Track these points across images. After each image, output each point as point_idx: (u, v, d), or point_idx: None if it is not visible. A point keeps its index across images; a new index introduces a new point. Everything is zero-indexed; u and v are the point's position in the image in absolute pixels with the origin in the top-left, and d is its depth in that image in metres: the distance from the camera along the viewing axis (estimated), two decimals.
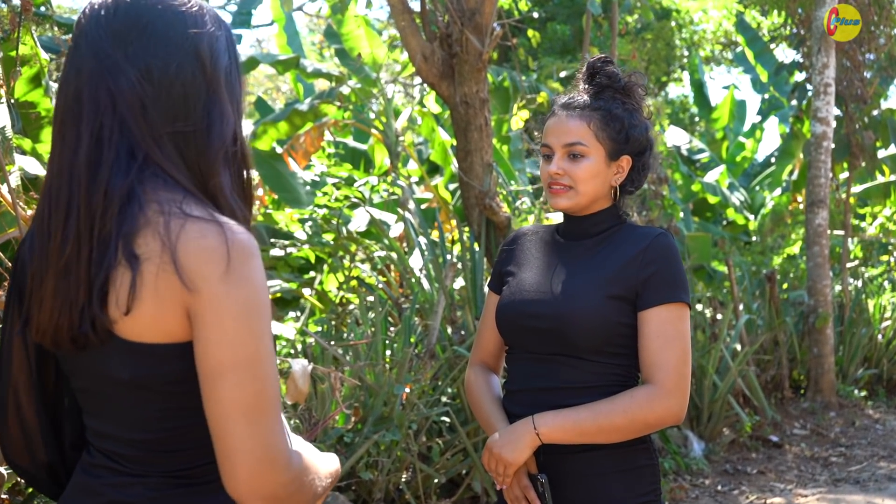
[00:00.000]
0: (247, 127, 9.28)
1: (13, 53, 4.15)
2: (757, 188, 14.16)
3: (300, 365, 4.18)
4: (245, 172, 1.69)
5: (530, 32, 8.86)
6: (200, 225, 1.52)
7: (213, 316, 1.50)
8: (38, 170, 4.22)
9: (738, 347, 8.20)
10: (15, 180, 3.41)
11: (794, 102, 11.81)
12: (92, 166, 1.55)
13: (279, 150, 10.29)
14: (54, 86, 5.30)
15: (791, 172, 13.78)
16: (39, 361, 1.73)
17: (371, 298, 6.44)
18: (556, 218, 7.29)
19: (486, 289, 6.14)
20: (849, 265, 11.23)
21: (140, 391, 1.58)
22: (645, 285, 2.45)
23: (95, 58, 1.58)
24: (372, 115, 10.78)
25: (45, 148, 5.82)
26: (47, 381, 1.75)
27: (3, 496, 3.53)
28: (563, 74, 13.12)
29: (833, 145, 9.31)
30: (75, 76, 1.59)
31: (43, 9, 5.88)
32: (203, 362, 1.52)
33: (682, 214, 11.14)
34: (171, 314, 1.52)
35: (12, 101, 4.12)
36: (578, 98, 2.59)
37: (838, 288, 10.24)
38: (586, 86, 2.62)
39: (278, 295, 7.47)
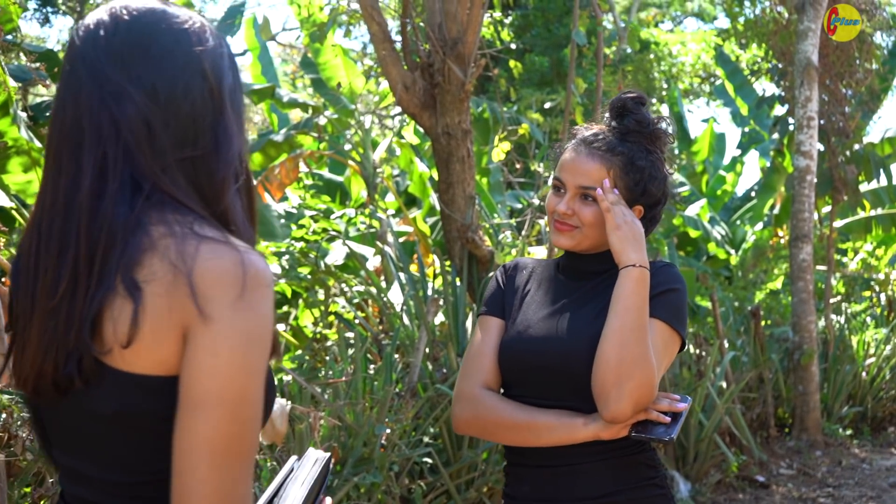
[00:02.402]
0: None
1: None
2: (738, 222, 14.09)
3: (278, 404, 4.03)
4: (250, 195, 1.61)
5: (512, 63, 8.74)
6: (215, 246, 1.41)
7: (209, 341, 1.38)
8: (5, 201, 4.06)
9: (724, 385, 8.04)
10: None
11: (775, 136, 11.77)
12: (94, 199, 1.42)
13: (253, 181, 10.09)
14: (23, 115, 5.12)
15: (772, 207, 13.72)
16: None
17: (350, 334, 6.26)
18: (539, 252, 7.17)
19: (468, 325, 5.98)
20: (832, 301, 11.13)
21: (123, 427, 1.44)
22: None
23: (96, 82, 1.46)
24: (348, 147, 10.64)
25: (11, 179, 5.65)
26: None
27: None
28: (547, 105, 13.03)
29: (815, 179, 9.22)
30: (73, 102, 1.47)
31: (10, 37, 5.71)
32: (185, 389, 1.38)
33: (667, 249, 11.03)
34: (172, 341, 1.39)
35: None
36: (602, 137, 2.46)
37: (822, 324, 10.13)
38: (613, 122, 2.49)
39: None
